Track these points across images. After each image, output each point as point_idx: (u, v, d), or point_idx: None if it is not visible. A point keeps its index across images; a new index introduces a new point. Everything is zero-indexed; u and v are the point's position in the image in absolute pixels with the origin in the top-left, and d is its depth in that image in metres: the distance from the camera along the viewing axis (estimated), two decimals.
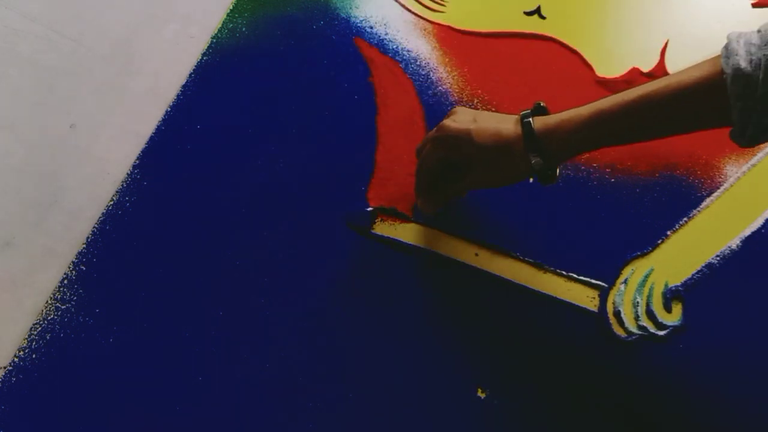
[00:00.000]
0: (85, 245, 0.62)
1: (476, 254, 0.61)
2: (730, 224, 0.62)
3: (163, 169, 0.66)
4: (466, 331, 0.59)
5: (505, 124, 0.49)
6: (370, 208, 0.63)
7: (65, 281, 0.60)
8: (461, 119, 0.51)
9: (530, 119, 0.48)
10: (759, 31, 0.40)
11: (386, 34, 0.73)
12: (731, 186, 0.64)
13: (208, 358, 0.57)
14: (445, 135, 0.52)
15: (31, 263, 0.61)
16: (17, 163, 0.66)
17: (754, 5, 0.73)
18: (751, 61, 0.39)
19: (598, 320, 0.59)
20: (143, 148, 0.66)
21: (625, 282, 0.60)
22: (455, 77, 0.70)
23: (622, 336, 0.58)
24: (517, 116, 0.49)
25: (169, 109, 0.68)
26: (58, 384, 0.56)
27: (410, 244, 0.62)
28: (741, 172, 0.64)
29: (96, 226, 0.63)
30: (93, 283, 0.60)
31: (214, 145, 0.67)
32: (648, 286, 0.60)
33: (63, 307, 0.59)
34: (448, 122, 0.52)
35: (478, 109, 0.68)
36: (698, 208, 0.63)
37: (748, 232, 0.62)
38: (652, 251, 0.61)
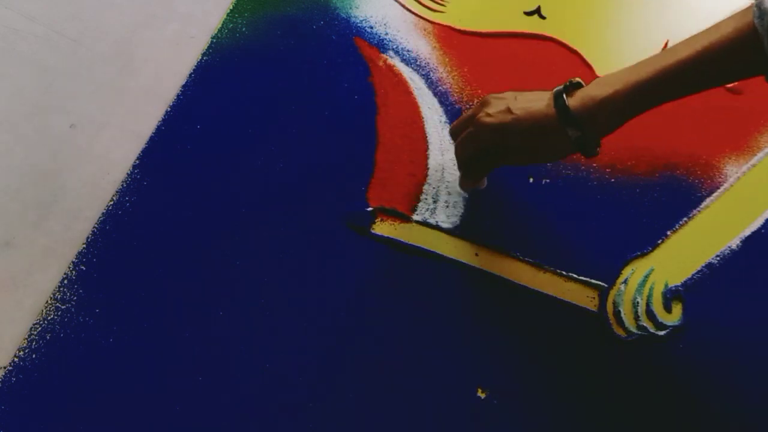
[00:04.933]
0: (85, 245, 0.62)
1: (476, 254, 0.61)
2: (730, 224, 0.62)
3: (163, 169, 0.66)
4: (466, 331, 0.59)
5: (539, 103, 0.49)
6: (370, 208, 0.63)
7: (65, 281, 0.60)
8: (495, 111, 0.51)
9: (563, 95, 0.48)
10: None
11: (386, 34, 0.73)
12: (731, 186, 0.64)
13: (208, 358, 0.57)
14: (480, 131, 0.52)
15: (31, 263, 0.61)
16: (17, 163, 0.66)
17: None
18: None
19: (598, 320, 0.59)
20: (143, 148, 0.66)
21: (625, 282, 0.60)
22: (455, 77, 0.70)
23: (622, 336, 0.58)
24: (550, 93, 0.49)
25: (169, 109, 0.68)
26: (58, 384, 0.56)
27: (410, 244, 0.62)
28: (741, 172, 0.64)
29: (96, 226, 0.63)
30: (93, 283, 0.60)
31: (214, 145, 0.67)
32: (648, 286, 0.60)
33: (63, 307, 0.59)
34: (482, 117, 0.52)
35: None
36: (698, 208, 0.63)
37: (748, 232, 0.62)
38: (652, 251, 0.61)
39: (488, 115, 0.51)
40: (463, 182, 0.60)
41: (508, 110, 0.50)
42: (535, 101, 0.50)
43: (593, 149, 0.49)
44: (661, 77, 0.45)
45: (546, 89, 0.50)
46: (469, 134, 0.53)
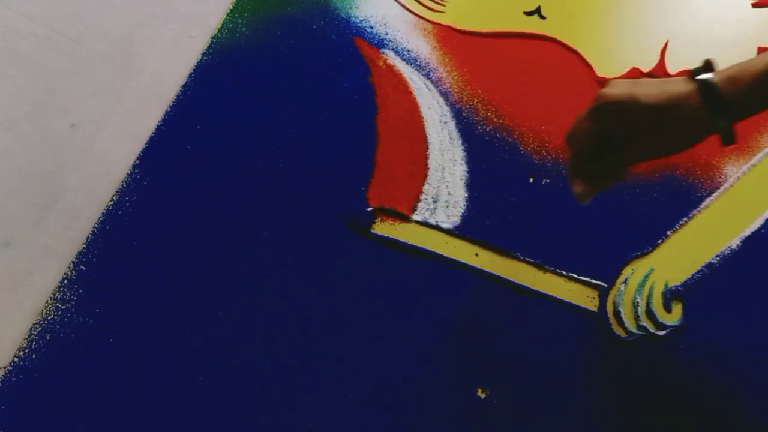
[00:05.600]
0: (85, 245, 0.62)
1: (476, 254, 0.61)
2: (730, 224, 0.62)
3: (163, 169, 0.66)
4: (466, 331, 0.58)
5: (672, 84, 0.45)
6: (370, 208, 0.63)
7: (65, 281, 0.60)
8: (620, 86, 0.46)
9: (708, 75, 0.43)
10: None
11: (386, 34, 0.73)
12: (731, 186, 0.64)
13: (208, 358, 0.57)
14: (604, 103, 0.46)
15: (31, 263, 0.61)
16: (17, 163, 0.66)
17: (754, 5, 0.73)
18: None
19: (598, 320, 0.59)
20: (143, 148, 0.66)
21: (625, 282, 0.60)
22: (455, 77, 0.70)
23: (622, 336, 0.58)
24: (682, 77, 0.45)
25: (169, 109, 0.68)
26: (58, 384, 0.56)
27: (410, 244, 0.61)
28: (741, 172, 0.64)
29: (96, 226, 0.63)
30: (93, 283, 0.60)
31: (214, 145, 0.67)
32: (648, 286, 0.60)
33: (63, 307, 0.59)
34: (605, 90, 0.47)
35: (478, 109, 0.68)
36: (698, 208, 0.63)
37: (748, 232, 0.62)
38: (652, 251, 0.61)
39: (612, 87, 0.46)
40: (579, 188, 0.50)
41: (634, 85, 0.46)
42: (666, 83, 0.45)
43: (733, 136, 0.44)
44: None
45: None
46: (589, 113, 0.47)
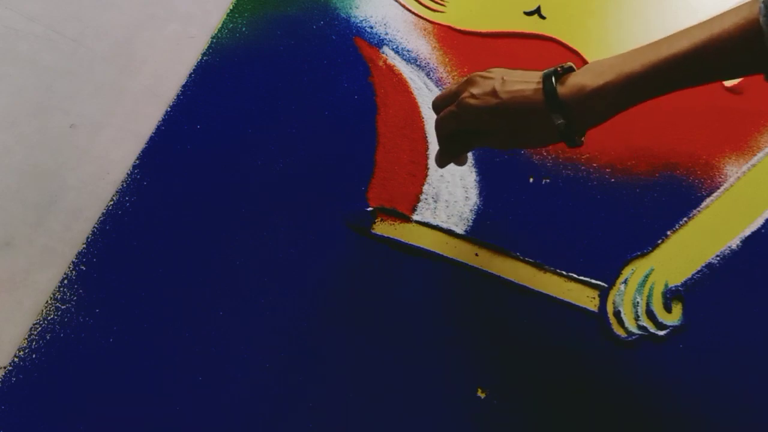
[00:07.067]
0: (85, 245, 0.62)
1: (476, 254, 0.61)
2: (730, 224, 0.62)
3: (163, 169, 0.66)
4: (466, 331, 0.59)
5: (527, 87, 0.46)
6: (370, 208, 0.63)
7: (65, 281, 0.60)
8: (480, 93, 0.48)
9: (552, 79, 0.45)
10: None
11: (386, 34, 0.73)
12: (731, 186, 0.64)
13: (208, 358, 0.57)
14: (463, 111, 0.49)
15: (31, 263, 0.61)
16: (17, 163, 0.66)
17: None
18: None
19: (598, 320, 0.59)
20: (143, 148, 0.66)
21: (625, 282, 0.60)
22: (455, 77, 0.70)
23: (622, 336, 0.58)
24: (539, 75, 0.46)
25: (169, 109, 0.68)
26: (58, 384, 0.56)
27: (410, 244, 0.62)
28: (741, 172, 0.64)
29: (96, 226, 0.63)
30: (93, 283, 0.60)
31: (214, 145, 0.67)
32: (648, 286, 0.60)
33: (63, 307, 0.59)
34: (466, 98, 0.49)
35: None
36: (698, 208, 0.63)
37: (748, 232, 0.62)
38: (652, 251, 0.61)
39: (472, 96, 0.48)
40: (440, 159, 0.56)
41: (494, 93, 0.47)
42: (523, 84, 0.47)
43: (577, 140, 0.46)
44: (656, 70, 0.42)
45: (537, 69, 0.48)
46: (450, 113, 0.51)
